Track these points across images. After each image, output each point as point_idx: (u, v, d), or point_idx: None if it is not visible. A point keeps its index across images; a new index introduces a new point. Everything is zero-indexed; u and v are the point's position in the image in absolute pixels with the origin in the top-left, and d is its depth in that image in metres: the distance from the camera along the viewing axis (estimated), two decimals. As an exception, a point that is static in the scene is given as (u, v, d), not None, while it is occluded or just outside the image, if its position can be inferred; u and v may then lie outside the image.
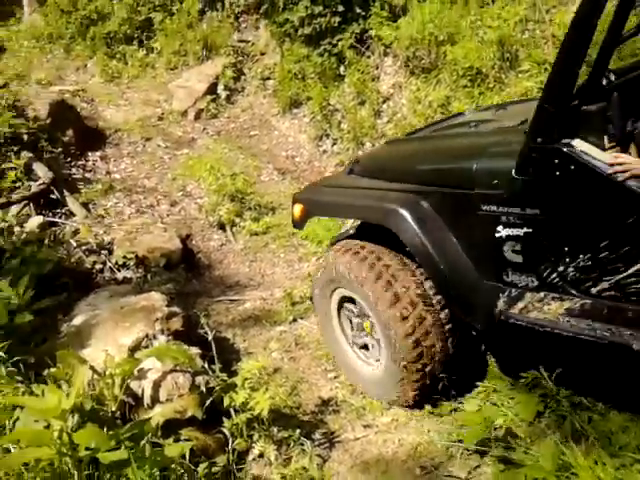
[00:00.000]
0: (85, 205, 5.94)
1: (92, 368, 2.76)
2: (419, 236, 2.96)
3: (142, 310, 3.48)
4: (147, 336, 3.16)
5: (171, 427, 2.72)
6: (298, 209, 3.86)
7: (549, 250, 2.59)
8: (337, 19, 7.85)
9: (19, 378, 2.60)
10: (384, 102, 7.61)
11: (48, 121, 7.03)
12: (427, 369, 3.08)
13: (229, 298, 4.80)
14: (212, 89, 8.57)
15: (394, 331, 3.02)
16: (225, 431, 2.82)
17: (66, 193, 5.91)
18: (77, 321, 3.53)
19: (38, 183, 5.77)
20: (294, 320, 4.44)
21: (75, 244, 4.90)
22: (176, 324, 3.49)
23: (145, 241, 5.23)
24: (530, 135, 2.49)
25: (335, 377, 3.72)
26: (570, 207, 2.48)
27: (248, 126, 8.12)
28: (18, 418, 2.26)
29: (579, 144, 2.42)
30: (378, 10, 7.82)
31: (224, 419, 2.86)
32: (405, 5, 7.96)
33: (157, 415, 2.71)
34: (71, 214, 5.71)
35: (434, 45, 7.54)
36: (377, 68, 7.94)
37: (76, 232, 5.17)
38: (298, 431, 3.02)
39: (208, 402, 2.86)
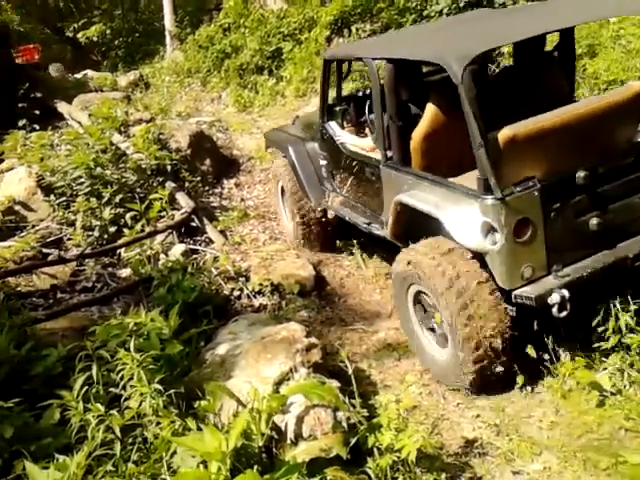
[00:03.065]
0: (222, 232, 6.21)
1: (239, 402, 2.82)
2: (294, 160, 5.52)
3: (283, 341, 3.52)
4: (290, 370, 3.19)
5: (315, 465, 2.71)
6: (264, 142, 6.70)
7: (331, 172, 5.28)
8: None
9: (174, 410, 2.72)
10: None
11: (188, 152, 7.50)
12: (310, 228, 5.75)
13: (362, 327, 4.76)
14: (339, 114, 8.68)
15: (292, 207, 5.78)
16: (370, 472, 2.77)
17: (205, 221, 6.22)
18: (221, 350, 3.64)
19: (181, 212, 6.12)
20: (429, 351, 4.32)
21: (215, 272, 5.11)
22: (315, 356, 3.49)
23: (279, 268, 5.33)
24: (319, 118, 5.20)
25: (477, 416, 3.55)
26: (332, 153, 5.13)
27: (374, 148, 8.12)
28: (175, 451, 2.35)
29: (332, 125, 5.07)
30: (510, 26, 7.56)
31: (368, 459, 2.81)
32: (539, 18, 7.62)
33: (302, 453, 2.71)
34: (210, 241, 5.99)
35: (572, 59, 7.13)
36: (509, 85, 7.66)
37: (216, 259, 5.39)
38: (444, 475, 2.90)
39: (353, 441, 2.82)
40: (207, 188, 7.49)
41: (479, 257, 3.48)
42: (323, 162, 5.33)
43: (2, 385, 3.21)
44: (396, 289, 4.11)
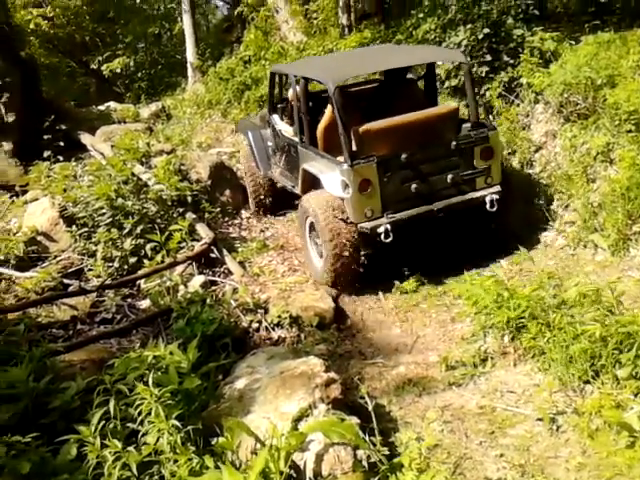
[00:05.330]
0: (241, 263, 6.20)
1: (258, 439, 2.77)
2: (251, 142, 7.46)
3: (302, 376, 3.47)
4: (309, 406, 3.14)
5: (335, 506, 2.64)
6: (235, 127, 9.57)
7: (274, 151, 7.10)
8: (485, 69, 7.72)
9: (191, 447, 2.68)
10: (536, 151, 7.28)
11: (209, 182, 7.58)
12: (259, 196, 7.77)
13: (382, 361, 4.69)
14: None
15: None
16: (390, 515, 2.69)
17: (225, 252, 6.23)
18: (239, 385, 3.60)
19: (201, 243, 6.14)
20: (450, 387, 4.23)
21: (234, 303, 5.09)
22: (335, 391, 3.43)
23: (298, 300, 5.30)
24: (267, 111, 7.43)
25: (501, 455, 3.45)
26: (274, 136, 7.07)
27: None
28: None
29: (275, 117, 7.14)
30: (528, 57, 7.59)
31: (388, 500, 2.74)
32: (556, 50, 7.65)
33: (321, 493, 2.65)
34: (229, 272, 5.98)
35: (591, 89, 7.11)
36: (527, 116, 7.64)
37: (235, 291, 5.38)
38: (467, 518, 2.81)
39: (373, 482, 2.76)
40: (227, 219, 7.54)
41: (341, 202, 5.47)
42: (270, 143, 7.22)
43: (20, 419, 3.20)
44: (299, 220, 6.15)
